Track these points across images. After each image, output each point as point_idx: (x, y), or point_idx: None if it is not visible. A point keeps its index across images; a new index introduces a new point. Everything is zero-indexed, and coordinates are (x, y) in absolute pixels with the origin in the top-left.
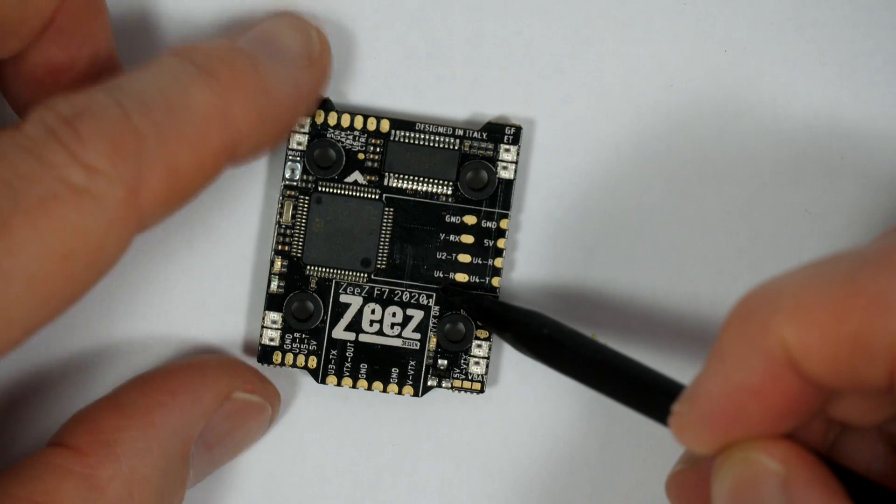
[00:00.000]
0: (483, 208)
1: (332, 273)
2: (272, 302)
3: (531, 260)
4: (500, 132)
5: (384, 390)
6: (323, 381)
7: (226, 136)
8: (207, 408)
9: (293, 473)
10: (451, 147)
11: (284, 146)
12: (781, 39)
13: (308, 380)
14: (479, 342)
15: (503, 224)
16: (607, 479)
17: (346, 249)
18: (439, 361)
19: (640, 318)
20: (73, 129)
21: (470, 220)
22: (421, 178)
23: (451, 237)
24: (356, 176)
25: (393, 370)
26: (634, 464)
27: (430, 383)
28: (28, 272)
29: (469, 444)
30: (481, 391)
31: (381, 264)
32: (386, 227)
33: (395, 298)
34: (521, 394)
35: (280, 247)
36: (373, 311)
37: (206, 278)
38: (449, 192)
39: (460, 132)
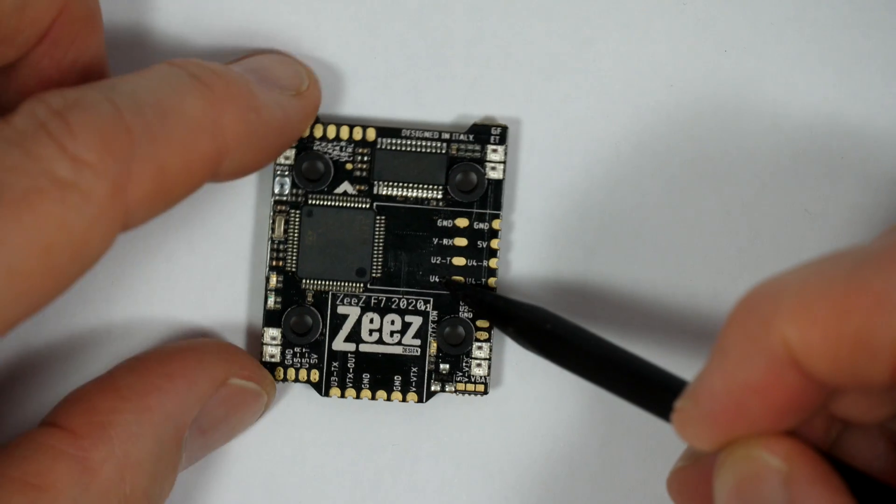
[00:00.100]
0: (474, 210)
1: (328, 285)
2: (270, 318)
3: (532, 260)
4: (486, 133)
5: (388, 399)
6: (326, 394)
7: (214, 144)
8: (203, 393)
9: (293, 473)
10: (439, 151)
11: (272, 162)
12: (781, 39)
13: (310, 387)
14: (479, 344)
15: (495, 224)
16: (607, 479)
17: (341, 261)
18: (441, 366)
19: (641, 317)
20: (64, 121)
21: (462, 222)
22: (410, 184)
23: (445, 241)
24: (345, 186)
25: (395, 378)
26: (634, 464)
27: (433, 388)
28: (8, 265)
29: (469, 444)
30: (485, 393)
31: (376, 273)
32: (379, 235)
33: (393, 306)
34: (521, 394)
35: (274, 262)
36: (371, 321)
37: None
38: (439, 196)
39: (447, 135)
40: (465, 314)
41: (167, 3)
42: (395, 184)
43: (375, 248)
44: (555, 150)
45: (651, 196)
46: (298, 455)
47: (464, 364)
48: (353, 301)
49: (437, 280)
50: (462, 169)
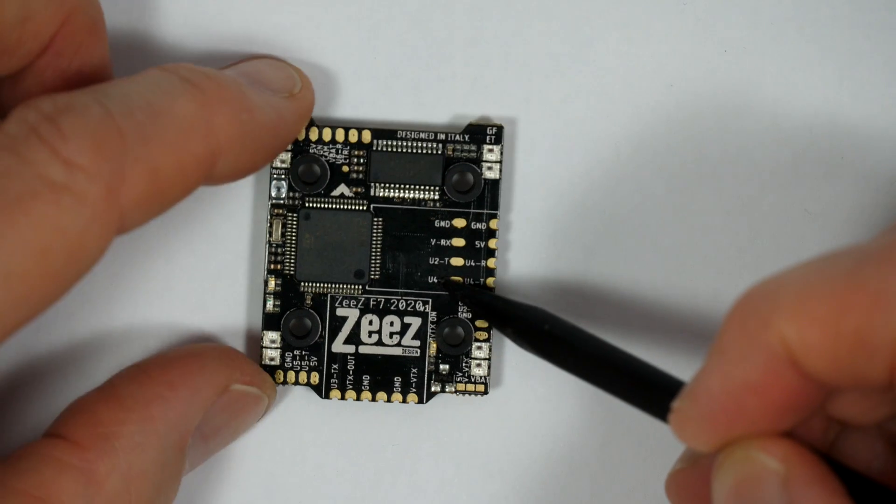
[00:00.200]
0: (471, 210)
1: (327, 288)
2: (269, 321)
3: (530, 260)
4: (482, 133)
5: (388, 400)
6: (326, 396)
7: (207, 145)
8: (205, 400)
9: (294, 475)
10: (435, 152)
11: (269, 165)
12: (781, 39)
13: (310, 389)
14: (478, 344)
15: (493, 224)
16: (607, 479)
17: (339, 263)
18: (441, 366)
19: (640, 317)
20: (55, 125)
21: (459, 222)
22: (407, 186)
23: (442, 241)
24: (342, 189)
25: (395, 379)
26: (634, 464)
27: (433, 389)
28: (5, 269)
29: (469, 444)
30: (485, 393)
31: (374, 275)
32: (376, 237)
33: (392, 307)
34: (521, 394)
35: (272, 266)
36: (370, 322)
37: (200, 303)
38: (436, 197)
39: (442, 136)
40: (465, 314)
41: (166, 5)
42: (392, 185)
43: (373, 249)
44: (554, 150)
45: (651, 196)
46: (299, 457)
47: (463, 364)
48: (351, 303)
49: (435, 281)
50: (458, 169)
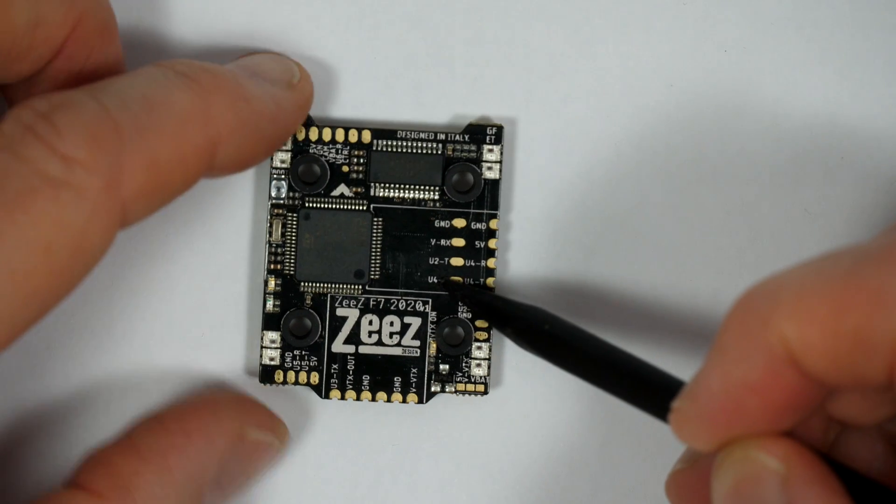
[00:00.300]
0: (471, 210)
1: (327, 288)
2: (269, 321)
3: (530, 260)
4: (481, 133)
5: (388, 400)
6: (326, 396)
7: (206, 134)
8: (221, 450)
9: (293, 473)
10: (435, 152)
11: (269, 165)
12: (781, 39)
13: (310, 389)
14: (478, 344)
15: (492, 224)
16: (607, 479)
17: (339, 263)
18: (441, 366)
19: (640, 317)
20: (50, 122)
21: (459, 223)
22: (407, 186)
23: (442, 241)
24: (342, 189)
25: (395, 379)
26: (634, 464)
27: (433, 389)
28: (10, 267)
29: (469, 444)
30: (485, 393)
31: (374, 275)
32: (376, 237)
33: (392, 308)
34: (521, 394)
35: (272, 266)
36: (370, 322)
37: (200, 304)
38: (436, 197)
39: (442, 136)
40: (464, 314)
41: (168, 6)
42: (392, 185)
43: (373, 249)
44: (554, 150)
45: (651, 196)
46: (299, 457)
47: (463, 364)
48: (351, 303)
49: (435, 281)
50: (458, 169)
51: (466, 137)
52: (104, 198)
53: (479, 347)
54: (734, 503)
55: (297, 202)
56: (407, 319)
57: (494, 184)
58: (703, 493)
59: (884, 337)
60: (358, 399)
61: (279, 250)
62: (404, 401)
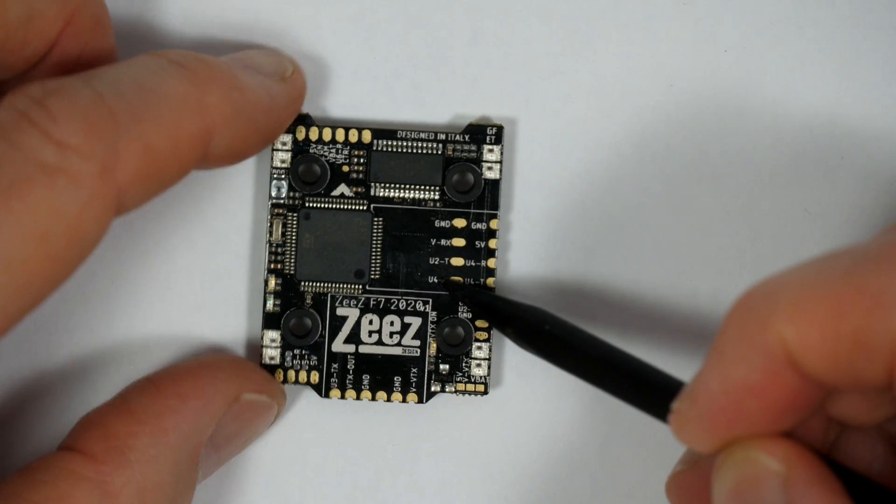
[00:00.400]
0: (471, 210)
1: (327, 287)
2: (270, 321)
3: (530, 260)
4: (482, 133)
5: (388, 399)
6: (326, 395)
7: (200, 122)
8: (217, 411)
9: (293, 473)
10: (435, 152)
11: (269, 165)
12: (781, 39)
13: (310, 389)
14: (478, 344)
15: (493, 224)
16: (607, 479)
17: (339, 263)
18: (441, 366)
19: (640, 317)
20: (44, 108)
21: (459, 223)
22: (407, 186)
23: (443, 241)
24: (342, 189)
25: (395, 379)
26: (634, 464)
27: (433, 389)
28: (5, 256)
29: (469, 444)
30: (485, 393)
31: (374, 274)
32: (376, 237)
33: (392, 307)
34: (522, 394)
35: (273, 265)
36: (370, 322)
37: (200, 303)
38: (436, 197)
39: (442, 136)
40: (465, 314)
41: (167, 5)
42: (392, 185)
43: (373, 249)
44: (554, 150)
45: (651, 196)
46: (299, 456)
47: (463, 364)
48: (351, 303)
49: (435, 281)
50: (458, 169)
51: (467, 137)
52: (99, 185)
53: (480, 347)
54: None
55: (297, 202)
56: (407, 319)
57: (495, 184)
58: (703, 495)
59: (883, 338)
60: (358, 398)
61: (279, 250)
62: (404, 400)
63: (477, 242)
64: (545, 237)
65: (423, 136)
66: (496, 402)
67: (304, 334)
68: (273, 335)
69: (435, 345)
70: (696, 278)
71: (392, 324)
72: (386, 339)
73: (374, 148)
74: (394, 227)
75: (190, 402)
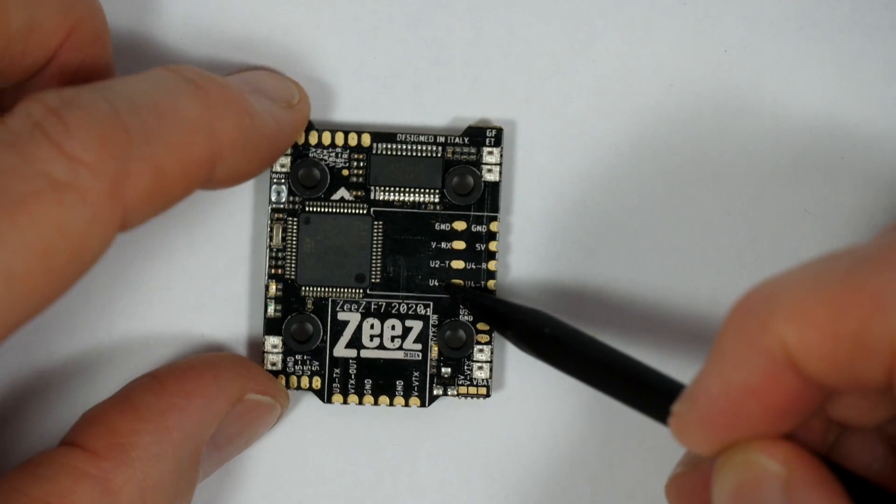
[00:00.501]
0: (472, 213)
1: (328, 292)
2: (271, 326)
3: (531, 261)
4: (481, 135)
5: (391, 404)
6: (329, 401)
7: (209, 147)
8: (221, 410)
9: (295, 478)
10: (434, 155)
11: (269, 170)
12: (781, 39)
13: (313, 394)
14: (480, 347)
15: (493, 227)
16: (607, 480)
17: (340, 267)
18: (443, 370)
19: (640, 319)
20: (60, 119)
21: (460, 225)
22: (407, 189)
23: (443, 244)
24: (342, 193)
25: (397, 383)
26: (634, 464)
27: (435, 393)
28: (7, 269)
29: (472, 447)
30: (487, 396)
31: (375, 278)
32: (377, 240)
33: (393, 311)
34: (524, 396)
35: (273, 270)
36: (372, 326)
37: (201, 308)
38: (436, 200)
39: (442, 139)
40: (466, 317)
41: (165, 6)
42: (392, 189)
43: (374, 253)
44: (554, 151)
45: (651, 196)
46: (301, 461)
47: (465, 368)
48: (353, 307)
49: (436, 284)
50: (458, 172)
51: (466, 140)
52: (107, 203)
53: (481, 350)
54: None
55: (297, 206)
56: (408, 323)
57: (494, 186)
58: (703, 497)
59: (883, 339)
60: (360, 403)
61: (280, 255)
62: (406, 404)
63: (477, 245)
64: (545, 238)
65: (422, 139)
66: (497, 403)
67: (306, 339)
68: (274, 341)
69: (436, 348)
70: (696, 278)
71: (393, 328)
72: (387, 343)
73: (374, 151)
74: (394, 231)
75: (194, 400)
